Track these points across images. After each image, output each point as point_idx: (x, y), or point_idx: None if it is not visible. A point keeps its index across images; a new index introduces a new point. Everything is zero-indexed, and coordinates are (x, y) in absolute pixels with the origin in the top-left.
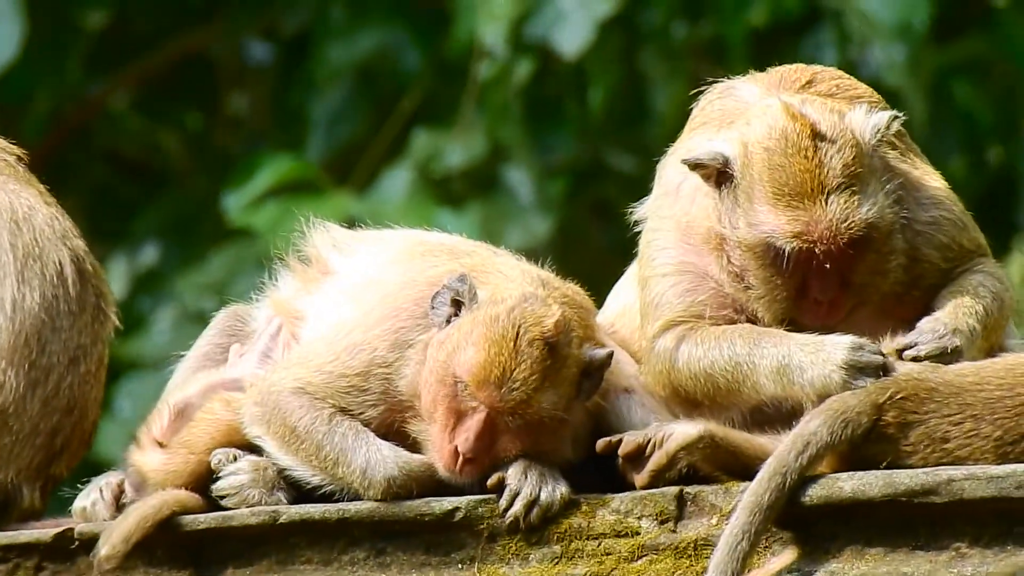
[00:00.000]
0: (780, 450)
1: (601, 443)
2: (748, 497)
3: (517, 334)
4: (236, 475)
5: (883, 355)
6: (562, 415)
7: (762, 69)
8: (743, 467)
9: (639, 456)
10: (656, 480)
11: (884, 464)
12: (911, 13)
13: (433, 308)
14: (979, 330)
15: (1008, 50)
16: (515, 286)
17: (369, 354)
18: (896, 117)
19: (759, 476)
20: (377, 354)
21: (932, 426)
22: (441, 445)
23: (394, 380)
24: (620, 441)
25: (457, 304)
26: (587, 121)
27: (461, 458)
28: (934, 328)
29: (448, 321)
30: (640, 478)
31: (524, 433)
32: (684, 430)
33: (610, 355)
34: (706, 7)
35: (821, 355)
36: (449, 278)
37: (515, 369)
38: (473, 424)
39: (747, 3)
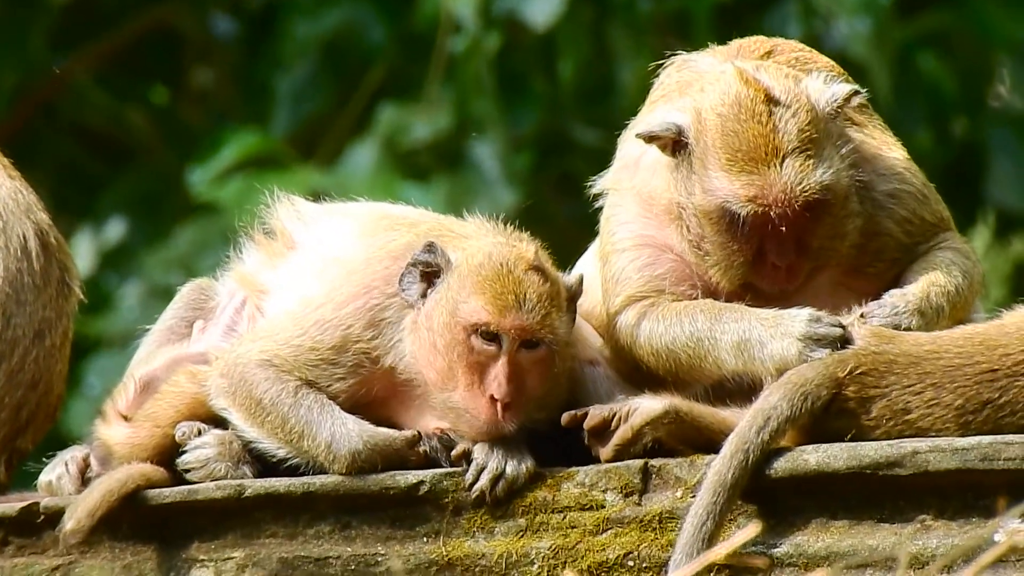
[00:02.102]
0: (741, 426)
1: (567, 416)
2: (712, 476)
3: (509, 268)
4: (202, 448)
5: (842, 326)
6: (569, 347)
7: (726, 43)
8: (708, 441)
9: (604, 430)
10: (621, 454)
11: (848, 438)
12: None
13: (403, 289)
14: (946, 310)
15: (973, 22)
16: (483, 240)
17: (343, 331)
18: (856, 92)
19: (722, 453)
20: (352, 331)
21: (893, 398)
22: (474, 402)
23: (372, 355)
24: (586, 415)
25: (428, 276)
26: (555, 95)
27: (500, 405)
28: (895, 304)
29: (424, 295)
30: (605, 452)
31: (544, 368)
32: (649, 405)
33: (581, 279)
34: None
35: (780, 328)
36: (414, 253)
37: (525, 292)
38: (499, 368)
39: None
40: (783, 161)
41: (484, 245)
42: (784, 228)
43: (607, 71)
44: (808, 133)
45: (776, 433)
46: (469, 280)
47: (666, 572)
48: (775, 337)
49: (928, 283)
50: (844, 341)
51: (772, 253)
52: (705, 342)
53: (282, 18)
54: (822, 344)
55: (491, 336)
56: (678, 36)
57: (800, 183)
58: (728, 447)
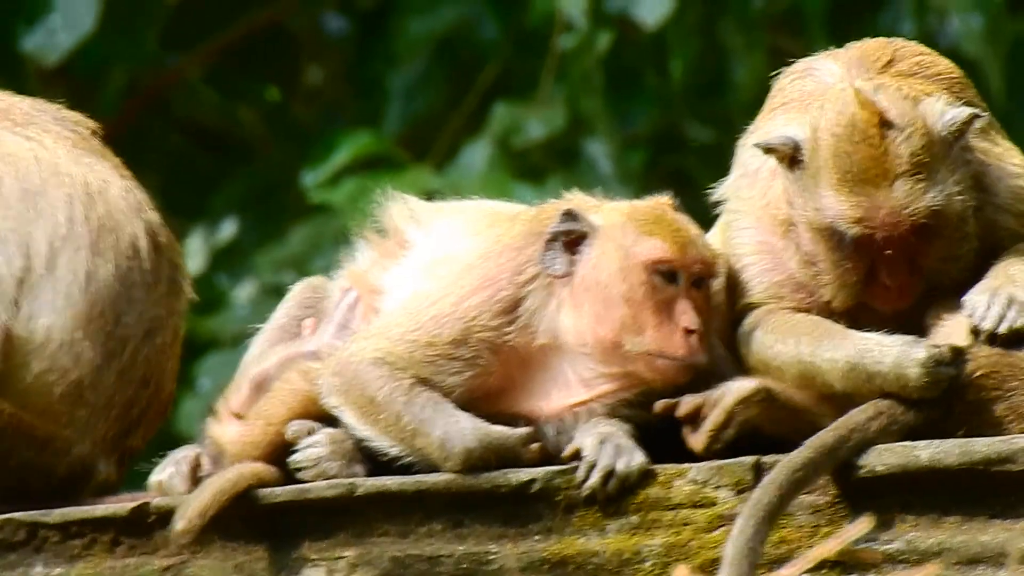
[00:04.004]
0: (822, 435)
1: (660, 404)
2: (774, 474)
3: (664, 211)
4: (313, 447)
5: (956, 363)
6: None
7: (841, 41)
8: (808, 426)
9: (697, 418)
10: (714, 440)
11: (961, 434)
12: None
13: (548, 267)
14: None
15: None
16: (614, 203)
17: (466, 323)
18: (976, 116)
19: (790, 458)
20: (476, 322)
21: (1016, 401)
22: (667, 339)
23: (497, 344)
24: (678, 403)
25: (570, 245)
26: (666, 92)
27: (695, 335)
28: (977, 301)
29: (571, 265)
30: (697, 439)
31: (708, 303)
32: (741, 384)
33: None
34: None
35: (896, 366)
36: (551, 227)
37: (690, 229)
38: (686, 304)
39: None
40: (893, 184)
41: (622, 203)
42: (892, 250)
43: (719, 68)
44: (921, 157)
45: (856, 449)
46: (630, 228)
47: (778, 568)
48: (887, 371)
49: (998, 268)
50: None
51: (883, 273)
52: (809, 365)
53: (394, 15)
54: (938, 386)
55: (670, 273)
56: (791, 33)
57: (908, 206)
58: (801, 453)
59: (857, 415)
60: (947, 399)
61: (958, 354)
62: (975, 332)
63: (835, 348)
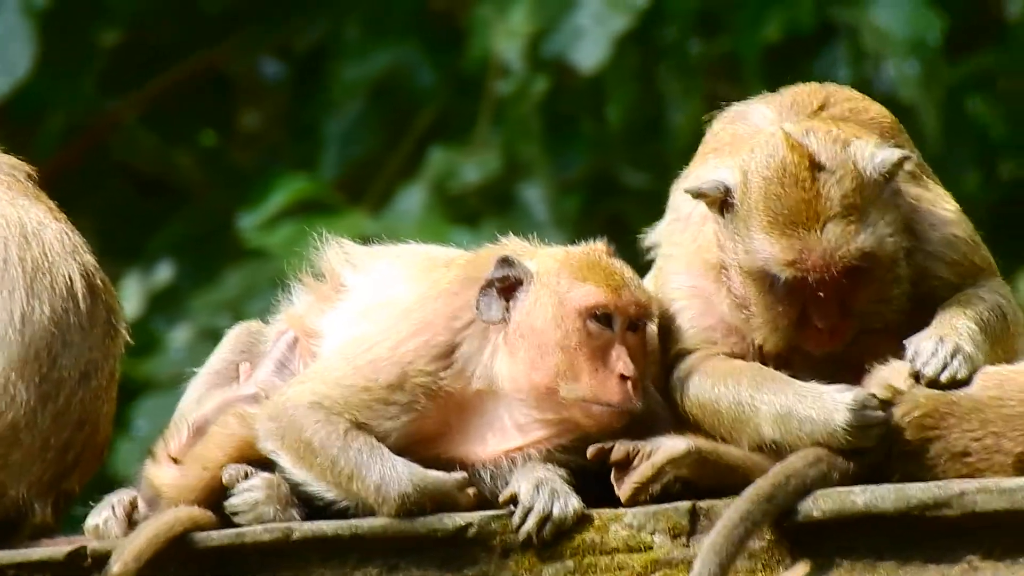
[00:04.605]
0: (760, 483)
1: (593, 448)
2: (723, 522)
3: (599, 256)
4: (250, 492)
5: (885, 410)
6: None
7: (777, 86)
8: (742, 480)
9: (628, 464)
10: (640, 492)
11: (896, 478)
12: (924, 28)
13: (483, 312)
14: (973, 328)
15: (1021, 63)
16: (548, 248)
17: (402, 367)
18: (907, 157)
19: (734, 505)
20: (412, 367)
21: (952, 441)
22: (603, 386)
23: (432, 389)
24: (612, 448)
25: (506, 291)
26: (603, 137)
27: (630, 382)
28: (923, 347)
29: (506, 311)
30: (623, 489)
31: (646, 346)
32: (672, 444)
33: None
34: (721, 23)
35: (823, 411)
36: (487, 274)
37: (624, 273)
38: (621, 350)
39: (761, 19)
40: (824, 226)
41: (557, 249)
42: (825, 293)
43: (656, 113)
44: (851, 199)
45: (795, 495)
46: (564, 275)
47: None
48: (816, 419)
49: (944, 315)
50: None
51: (814, 317)
52: (746, 408)
53: (331, 60)
54: (867, 435)
55: (605, 318)
56: (728, 79)
57: (839, 248)
58: (738, 507)
59: (796, 461)
60: (885, 444)
61: (885, 401)
62: (916, 376)
63: (774, 393)
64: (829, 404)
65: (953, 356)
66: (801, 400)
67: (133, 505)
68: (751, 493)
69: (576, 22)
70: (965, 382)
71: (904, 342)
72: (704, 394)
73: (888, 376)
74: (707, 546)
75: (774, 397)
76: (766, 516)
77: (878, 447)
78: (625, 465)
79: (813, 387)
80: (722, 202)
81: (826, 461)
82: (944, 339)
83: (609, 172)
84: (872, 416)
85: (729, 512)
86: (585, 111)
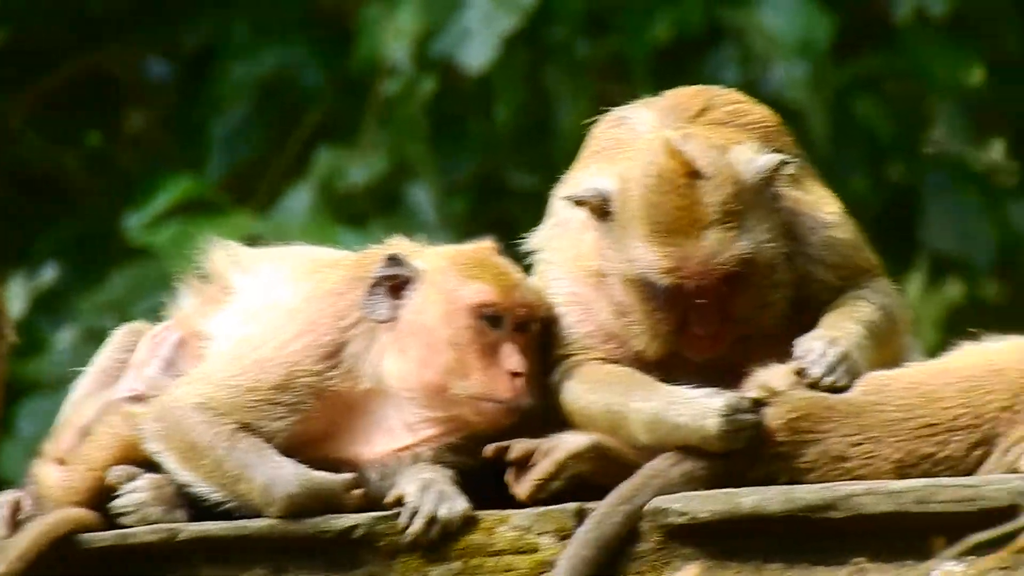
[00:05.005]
0: (624, 485)
1: (490, 448)
2: (584, 530)
3: (488, 255)
4: (135, 493)
5: (757, 411)
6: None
7: (665, 87)
8: None
9: (526, 463)
10: (540, 490)
11: (783, 482)
12: (813, 31)
13: (371, 311)
14: (863, 332)
15: (909, 67)
16: (436, 248)
17: (288, 368)
18: (785, 162)
19: (599, 510)
20: (299, 367)
21: (830, 445)
22: (493, 383)
23: (319, 389)
24: (509, 447)
25: (395, 290)
26: (491, 138)
27: (520, 379)
28: (812, 347)
29: (395, 310)
30: (523, 486)
31: (533, 346)
32: (574, 439)
33: None
34: (609, 24)
35: (694, 416)
36: (374, 272)
37: (513, 273)
38: (511, 347)
39: (650, 21)
40: (703, 233)
41: (445, 248)
42: (704, 299)
43: (544, 115)
44: (730, 205)
45: (657, 494)
46: (454, 272)
47: None
48: (688, 424)
49: (837, 315)
50: (760, 424)
51: (695, 323)
52: (617, 415)
53: (218, 61)
54: (739, 438)
55: (494, 317)
56: (617, 80)
57: (718, 255)
58: (605, 505)
59: (660, 461)
60: (755, 443)
61: (757, 402)
62: (800, 373)
63: (643, 400)
64: (700, 409)
65: (840, 362)
66: (671, 406)
67: (18, 506)
68: (613, 497)
69: (464, 22)
70: (845, 389)
71: (795, 341)
72: (578, 401)
73: (767, 378)
74: (567, 553)
75: (644, 404)
76: (628, 519)
77: (748, 447)
78: (523, 464)
79: (683, 392)
80: (601, 209)
81: (691, 459)
82: (835, 342)
83: (497, 173)
84: (744, 419)
85: (592, 517)
86: (473, 112)
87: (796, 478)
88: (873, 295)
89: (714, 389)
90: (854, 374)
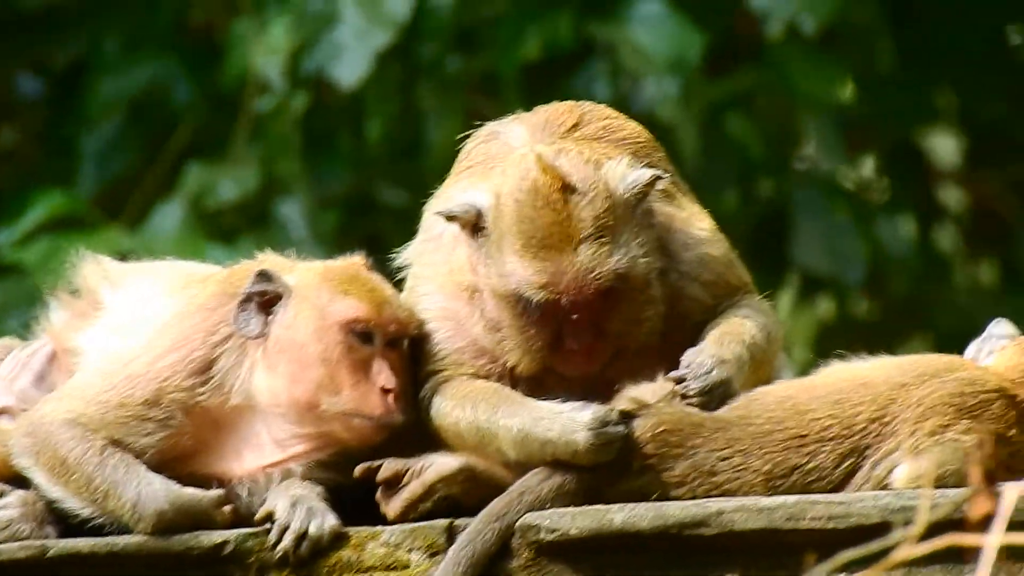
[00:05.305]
0: (495, 503)
1: (360, 468)
2: (455, 549)
3: (359, 271)
4: (4, 510)
5: (626, 424)
6: None
7: (536, 103)
8: None
9: (397, 484)
10: (409, 510)
11: (655, 497)
12: (684, 47)
13: (241, 327)
14: (747, 358)
15: (780, 83)
16: (306, 263)
17: (158, 383)
18: (659, 177)
19: (470, 528)
20: (169, 383)
21: (699, 459)
22: (364, 399)
23: (189, 404)
24: (380, 467)
25: (265, 305)
26: (362, 154)
27: (392, 395)
28: (701, 361)
29: (265, 326)
30: (392, 506)
31: (404, 362)
32: (444, 461)
33: None
34: (480, 40)
35: (563, 431)
36: (245, 288)
37: (385, 289)
38: (382, 363)
39: (520, 37)
40: (576, 248)
41: (316, 263)
42: (578, 315)
43: (415, 131)
44: (604, 220)
45: (528, 510)
46: (325, 288)
47: None
48: (557, 439)
49: (721, 333)
50: (629, 435)
51: (568, 338)
52: (485, 432)
53: (88, 77)
54: (608, 450)
55: (366, 333)
56: (488, 96)
57: (593, 270)
58: (476, 522)
59: (531, 477)
60: (624, 457)
61: (626, 414)
62: (679, 381)
63: (510, 416)
64: (568, 423)
65: (719, 386)
66: (539, 421)
67: None
68: (484, 514)
69: (337, 38)
70: (712, 410)
71: (682, 356)
72: (445, 417)
73: (637, 392)
74: (439, 571)
75: (511, 420)
76: (499, 536)
77: (618, 460)
78: (394, 483)
79: (551, 407)
80: (474, 225)
81: (560, 474)
82: (722, 364)
83: (367, 189)
84: (612, 432)
85: (463, 534)
86: (344, 128)
87: (667, 492)
88: (757, 315)
89: (582, 403)
90: (726, 399)
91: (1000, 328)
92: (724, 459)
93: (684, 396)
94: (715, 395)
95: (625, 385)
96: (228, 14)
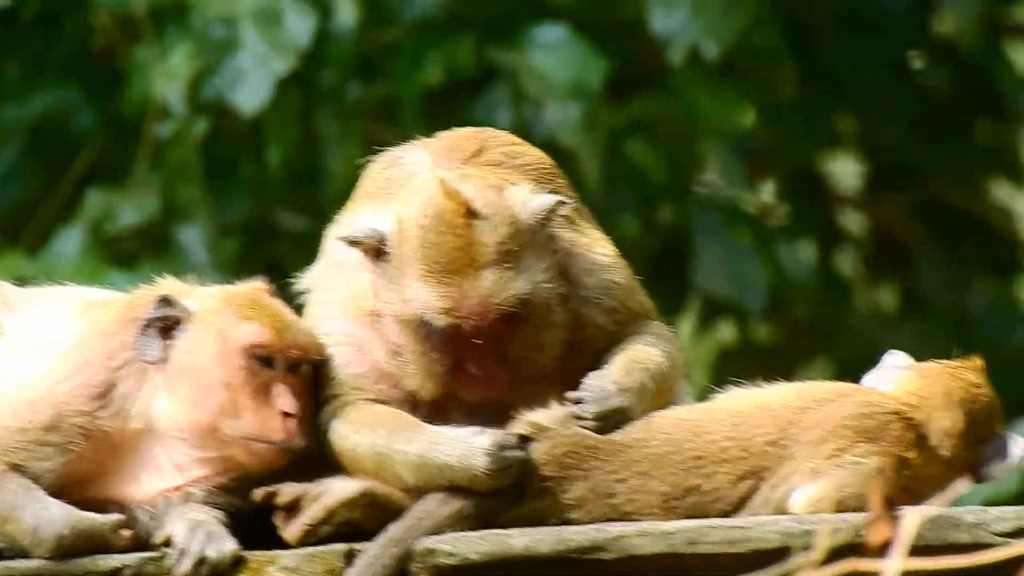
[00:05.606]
0: (393, 527)
1: (260, 492)
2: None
3: (260, 296)
4: None
5: (524, 448)
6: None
7: (437, 129)
8: None
9: (296, 508)
10: (309, 535)
11: (553, 520)
12: (586, 73)
13: (142, 353)
14: (650, 387)
15: (682, 109)
16: (206, 288)
17: (57, 408)
18: (562, 202)
19: (370, 550)
20: (71, 407)
21: (596, 482)
22: (265, 423)
23: (90, 429)
24: (278, 492)
25: (166, 331)
26: (263, 180)
27: (293, 420)
28: (602, 387)
29: (166, 350)
30: (292, 531)
31: (305, 387)
32: (344, 485)
33: None
34: (381, 67)
35: (462, 456)
36: (146, 314)
37: (286, 314)
38: (283, 388)
39: (420, 64)
40: (480, 273)
41: (217, 288)
42: (481, 340)
43: (315, 157)
44: (507, 245)
45: (426, 534)
46: (227, 312)
47: None
48: (455, 464)
49: (627, 360)
50: (528, 460)
51: (470, 364)
52: (383, 457)
53: None
54: (506, 474)
55: (267, 358)
56: (388, 122)
57: (495, 295)
58: (375, 547)
59: (429, 502)
60: (522, 481)
61: (524, 438)
62: (577, 402)
63: (408, 441)
64: (466, 448)
65: (615, 414)
66: (436, 447)
67: None
68: (383, 538)
69: (237, 64)
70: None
71: (585, 378)
72: (344, 441)
73: (535, 417)
74: None
75: (408, 445)
76: (398, 560)
77: (516, 484)
78: (293, 508)
79: (449, 432)
80: (377, 250)
81: (459, 498)
82: (623, 393)
83: (268, 215)
84: (510, 456)
85: (361, 558)
86: (245, 154)
87: (564, 515)
88: (660, 342)
89: (479, 428)
90: (620, 426)
91: (895, 359)
92: (621, 481)
93: (580, 418)
94: (610, 422)
95: (524, 410)
96: (129, 40)
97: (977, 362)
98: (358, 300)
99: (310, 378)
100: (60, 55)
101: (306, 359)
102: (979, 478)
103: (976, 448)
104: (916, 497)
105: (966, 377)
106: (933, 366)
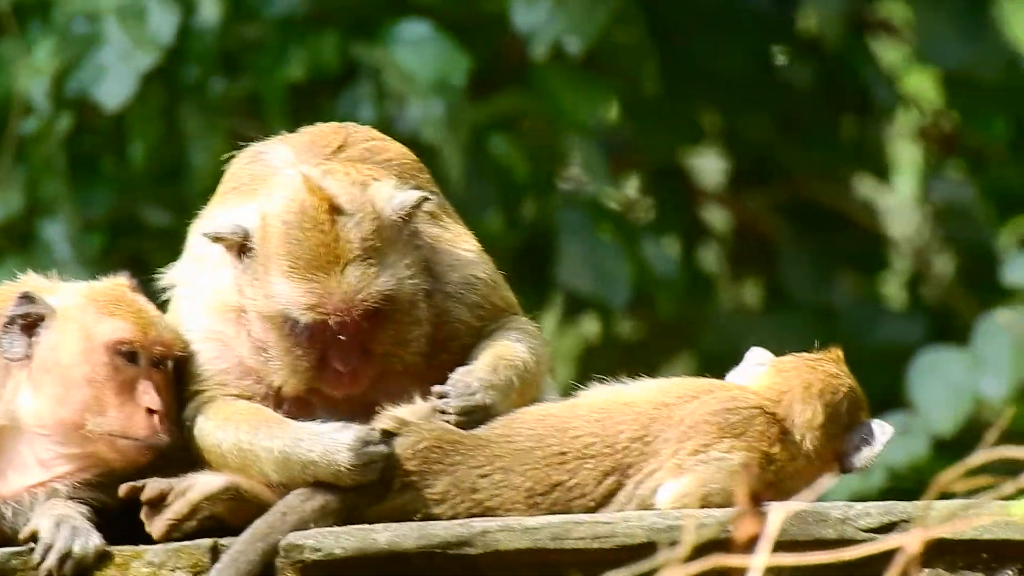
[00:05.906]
0: (257, 523)
1: (125, 487)
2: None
3: (123, 292)
4: None
5: (388, 443)
6: None
7: (300, 125)
8: None
9: (161, 503)
10: (173, 529)
11: (418, 516)
12: (449, 69)
13: (2, 346)
14: (516, 384)
15: (545, 105)
16: (70, 284)
17: None
18: (426, 198)
19: (233, 547)
20: None
21: (459, 476)
22: (129, 419)
23: None
24: (143, 487)
25: (29, 328)
26: (126, 176)
27: (157, 416)
28: (467, 383)
29: (29, 347)
30: (156, 526)
31: (169, 384)
32: (209, 480)
33: None
34: (245, 63)
35: (324, 451)
36: (8, 311)
37: (150, 310)
38: (147, 384)
39: (284, 60)
40: (344, 269)
41: (80, 284)
42: (345, 336)
43: (179, 153)
44: (371, 241)
45: (291, 530)
46: (91, 309)
47: None
48: (319, 460)
49: (494, 357)
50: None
51: (335, 360)
52: (247, 453)
53: None
54: (370, 470)
55: (131, 354)
56: (252, 117)
57: (359, 291)
58: (240, 543)
59: (293, 497)
60: (387, 476)
61: (387, 433)
62: (441, 396)
63: (271, 437)
64: (329, 444)
65: (477, 411)
66: (299, 443)
67: None
68: (248, 534)
69: (100, 59)
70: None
71: (452, 373)
72: (207, 438)
73: (399, 412)
74: None
75: (271, 442)
76: (263, 556)
77: (381, 478)
78: (158, 503)
79: (311, 428)
80: (240, 246)
81: (322, 494)
82: (488, 390)
83: (132, 211)
84: (374, 451)
85: (226, 554)
86: (109, 149)
87: (428, 510)
88: (526, 338)
89: (342, 423)
90: (484, 422)
91: (757, 355)
92: (484, 476)
93: (444, 412)
94: (474, 417)
95: (388, 406)
96: None
97: (836, 353)
98: (222, 296)
99: (173, 374)
100: None
101: (170, 355)
102: (846, 468)
103: (841, 438)
104: (784, 492)
105: (824, 368)
106: (791, 359)
